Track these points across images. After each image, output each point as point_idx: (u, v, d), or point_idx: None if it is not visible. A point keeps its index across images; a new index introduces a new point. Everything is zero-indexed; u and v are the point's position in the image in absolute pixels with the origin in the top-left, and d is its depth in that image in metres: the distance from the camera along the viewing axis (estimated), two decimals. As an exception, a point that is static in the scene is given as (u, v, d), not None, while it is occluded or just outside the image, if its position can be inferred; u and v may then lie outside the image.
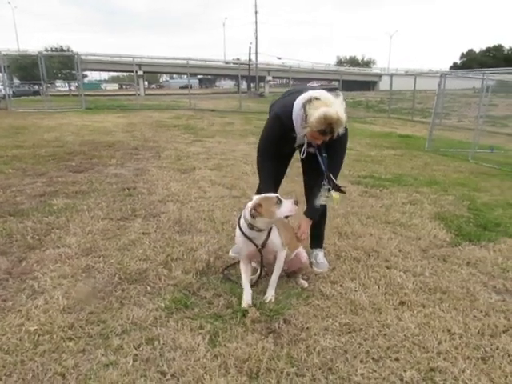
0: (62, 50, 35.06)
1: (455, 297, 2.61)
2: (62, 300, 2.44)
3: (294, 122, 2.56)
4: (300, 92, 2.58)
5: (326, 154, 2.68)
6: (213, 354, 2.00)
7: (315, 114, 2.32)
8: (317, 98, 2.39)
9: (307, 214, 2.82)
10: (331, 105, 2.34)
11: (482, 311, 2.45)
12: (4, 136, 9.01)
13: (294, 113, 2.55)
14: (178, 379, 1.83)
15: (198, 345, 2.06)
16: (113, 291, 2.58)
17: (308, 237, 3.00)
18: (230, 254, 3.15)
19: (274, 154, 2.77)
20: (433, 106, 10.46)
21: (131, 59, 24.06)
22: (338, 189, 2.73)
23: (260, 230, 2.42)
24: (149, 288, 2.62)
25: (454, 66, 58.69)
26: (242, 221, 2.46)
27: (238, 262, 2.82)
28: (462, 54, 64.52)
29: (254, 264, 2.91)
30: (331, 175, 2.71)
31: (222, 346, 2.06)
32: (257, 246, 2.45)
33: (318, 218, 2.88)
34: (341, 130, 2.45)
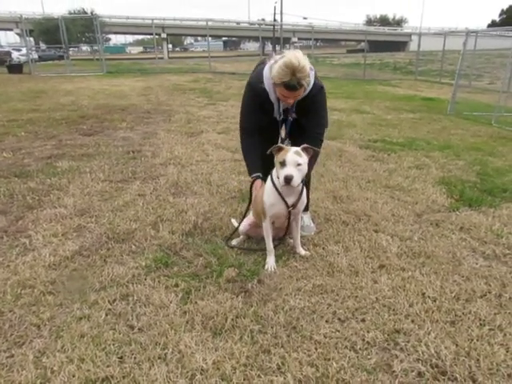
0: (85, 12, 34.81)
1: (439, 261, 2.56)
2: (48, 257, 2.54)
3: (267, 89, 2.54)
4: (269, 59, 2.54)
5: (306, 117, 2.62)
6: (182, 310, 2.06)
7: (275, 66, 2.29)
8: (281, 57, 2.33)
9: None
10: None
11: (463, 276, 2.41)
12: (22, 100, 9.20)
13: (265, 80, 2.53)
14: (144, 333, 1.91)
15: (170, 302, 2.13)
16: (99, 250, 2.66)
17: None
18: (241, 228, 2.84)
19: (255, 129, 2.70)
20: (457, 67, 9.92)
21: (154, 21, 23.62)
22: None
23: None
24: (134, 247, 2.70)
25: (492, 24, 55.19)
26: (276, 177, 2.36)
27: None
28: (502, 10, 60.56)
29: (234, 221, 2.94)
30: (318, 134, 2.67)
31: (192, 303, 2.12)
32: (288, 206, 2.39)
33: None
34: (310, 81, 2.37)
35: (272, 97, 2.57)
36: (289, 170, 2.20)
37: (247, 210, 2.83)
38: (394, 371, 1.71)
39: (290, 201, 2.39)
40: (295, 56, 2.25)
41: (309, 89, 2.47)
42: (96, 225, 3.02)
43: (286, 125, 2.75)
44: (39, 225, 3.00)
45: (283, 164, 2.22)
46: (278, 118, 2.71)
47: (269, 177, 2.45)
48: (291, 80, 2.27)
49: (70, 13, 34.33)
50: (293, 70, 2.24)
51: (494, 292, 2.26)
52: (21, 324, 1.96)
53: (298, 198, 2.42)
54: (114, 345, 1.82)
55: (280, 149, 2.32)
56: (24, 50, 24.30)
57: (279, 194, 2.37)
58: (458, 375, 1.67)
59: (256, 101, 2.62)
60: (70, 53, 24.52)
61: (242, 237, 2.79)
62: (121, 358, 1.76)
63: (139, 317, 2.01)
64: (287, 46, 55.39)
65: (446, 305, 2.13)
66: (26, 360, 1.74)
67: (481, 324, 1.99)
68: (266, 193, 2.42)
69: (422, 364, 1.74)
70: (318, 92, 2.53)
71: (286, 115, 2.69)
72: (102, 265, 2.48)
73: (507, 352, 1.81)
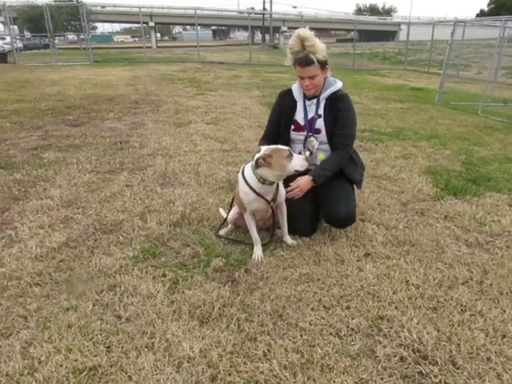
0: (71, 0, 34.11)
1: (423, 249, 2.61)
2: (35, 249, 2.53)
3: (293, 88, 2.77)
4: None
5: (335, 126, 2.69)
6: (170, 300, 2.08)
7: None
8: None
9: (313, 172, 2.59)
10: None
11: (446, 263, 2.46)
12: (6, 90, 9.04)
13: (293, 85, 2.79)
14: (132, 322, 1.92)
15: (158, 291, 2.14)
16: (86, 241, 2.66)
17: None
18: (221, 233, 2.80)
19: (272, 139, 2.71)
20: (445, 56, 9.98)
21: (142, 9, 23.21)
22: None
23: (271, 184, 2.36)
24: (121, 238, 2.69)
25: (481, 14, 55.22)
26: (250, 175, 2.36)
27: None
28: (490, 0, 60.42)
29: (222, 211, 2.96)
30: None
31: (179, 293, 2.13)
32: (269, 202, 2.41)
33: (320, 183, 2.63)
34: (320, 56, 2.49)
35: (296, 93, 2.74)
36: (300, 156, 2.37)
37: None
38: (377, 356, 1.75)
39: (269, 197, 2.41)
40: (303, 30, 2.50)
41: (333, 87, 2.66)
42: (83, 216, 3.01)
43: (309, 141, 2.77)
44: (25, 216, 2.98)
45: (290, 156, 2.29)
46: (301, 123, 2.74)
47: (240, 176, 2.44)
48: (300, 52, 2.50)
49: (56, 0, 33.65)
50: (301, 40, 2.48)
51: (475, 279, 2.31)
52: (7, 315, 1.96)
53: (276, 193, 2.44)
54: (101, 335, 1.83)
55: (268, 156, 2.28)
56: (8, 39, 23.79)
57: (255, 192, 2.37)
58: (438, 359, 1.72)
59: (280, 104, 2.80)
60: (56, 42, 24.06)
61: (230, 226, 2.81)
62: (108, 347, 1.77)
63: (126, 307, 2.02)
64: (277, 35, 55.10)
65: (429, 291, 2.18)
66: (13, 351, 1.74)
67: (462, 310, 2.04)
68: (242, 191, 2.41)
69: (404, 349, 1.78)
70: (344, 97, 2.67)
71: (314, 131, 2.73)
72: (90, 256, 2.48)
73: (487, 336, 1.86)
